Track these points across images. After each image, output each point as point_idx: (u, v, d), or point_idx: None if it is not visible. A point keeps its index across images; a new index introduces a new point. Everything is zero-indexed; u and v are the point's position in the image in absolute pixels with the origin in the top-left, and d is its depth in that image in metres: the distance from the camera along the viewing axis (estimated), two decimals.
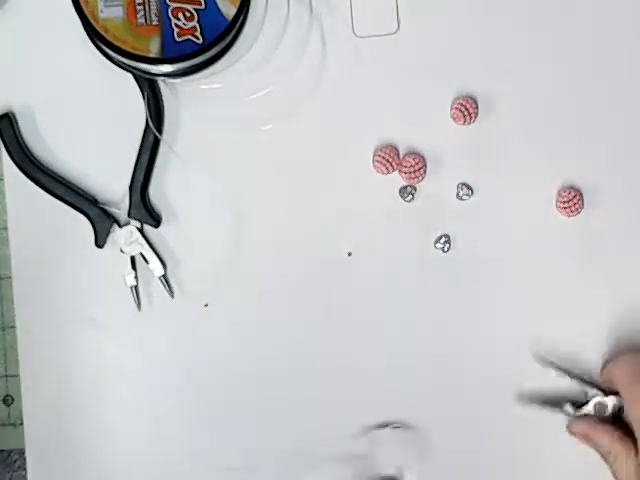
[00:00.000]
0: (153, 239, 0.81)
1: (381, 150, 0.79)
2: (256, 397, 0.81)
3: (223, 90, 0.80)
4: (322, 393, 0.81)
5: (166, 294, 0.81)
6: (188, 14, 0.74)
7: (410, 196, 0.80)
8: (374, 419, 0.80)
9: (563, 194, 0.79)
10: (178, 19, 0.74)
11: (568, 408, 0.77)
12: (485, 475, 0.80)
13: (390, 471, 0.80)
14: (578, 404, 0.78)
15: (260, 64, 0.80)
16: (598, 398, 0.77)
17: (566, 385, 0.78)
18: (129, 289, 0.81)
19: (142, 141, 0.79)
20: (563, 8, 0.79)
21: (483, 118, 0.80)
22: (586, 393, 0.78)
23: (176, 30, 0.74)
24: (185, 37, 0.74)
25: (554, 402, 0.78)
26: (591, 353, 0.80)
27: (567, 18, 0.79)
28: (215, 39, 0.74)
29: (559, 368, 0.79)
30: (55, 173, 0.81)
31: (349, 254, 0.81)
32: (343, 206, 0.80)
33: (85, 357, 0.81)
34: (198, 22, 0.74)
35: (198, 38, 0.74)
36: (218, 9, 0.74)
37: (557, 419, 0.78)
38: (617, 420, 0.77)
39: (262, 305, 0.81)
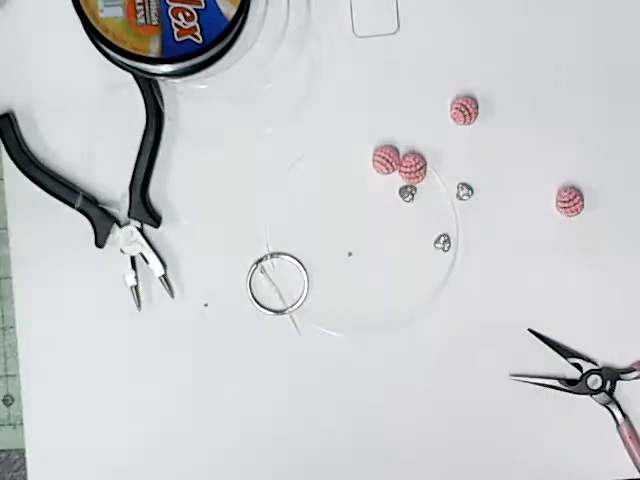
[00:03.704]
0: (153, 239, 0.81)
1: (381, 150, 0.79)
2: (256, 397, 0.81)
3: (223, 90, 0.80)
4: (323, 389, 0.81)
5: (166, 294, 0.81)
6: (188, 14, 0.74)
7: (410, 196, 0.80)
8: (375, 415, 0.81)
9: (563, 194, 0.79)
10: (178, 19, 0.74)
11: (562, 384, 0.79)
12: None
13: None
14: (572, 381, 0.79)
15: (260, 64, 0.80)
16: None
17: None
18: (129, 289, 0.81)
19: (142, 141, 0.79)
20: (563, 9, 0.79)
21: (483, 118, 0.79)
22: (581, 367, 0.79)
23: (176, 30, 0.74)
24: (185, 37, 0.74)
25: (549, 379, 0.79)
26: (591, 352, 0.80)
27: (567, 18, 0.79)
28: (215, 39, 0.74)
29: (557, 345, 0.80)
30: (55, 173, 0.81)
31: (349, 254, 0.81)
32: (343, 206, 0.80)
33: (85, 357, 0.81)
34: (198, 22, 0.74)
35: (198, 38, 0.74)
36: (218, 9, 0.74)
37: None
38: (609, 395, 0.79)
39: (260, 304, 0.81)
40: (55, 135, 0.81)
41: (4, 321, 0.83)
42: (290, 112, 0.80)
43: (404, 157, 0.80)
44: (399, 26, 0.80)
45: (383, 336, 0.80)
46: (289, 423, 0.81)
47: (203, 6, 0.74)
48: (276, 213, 0.81)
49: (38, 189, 0.80)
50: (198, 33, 0.74)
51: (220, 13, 0.74)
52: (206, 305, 0.81)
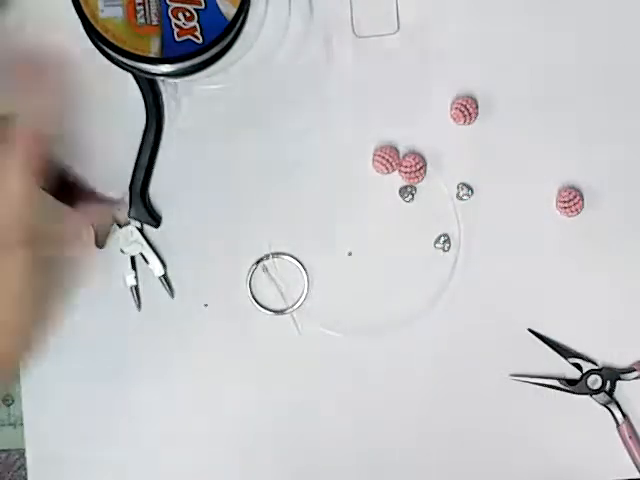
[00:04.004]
0: (153, 239, 0.81)
1: (381, 150, 0.79)
2: (256, 397, 0.81)
3: (223, 90, 0.80)
4: (323, 389, 0.81)
5: (166, 294, 0.81)
6: (188, 14, 0.74)
7: (410, 196, 0.80)
8: (375, 414, 0.81)
9: (563, 194, 0.79)
10: (178, 19, 0.74)
11: (562, 384, 0.79)
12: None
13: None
14: (572, 381, 0.79)
15: (260, 64, 0.80)
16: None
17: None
18: (129, 289, 0.81)
19: (142, 141, 0.79)
20: (563, 8, 0.79)
21: (483, 118, 0.80)
22: (581, 367, 0.79)
23: (176, 30, 0.74)
24: (185, 37, 0.74)
25: (549, 379, 0.79)
26: (591, 352, 0.80)
27: (567, 18, 0.80)
28: (215, 39, 0.74)
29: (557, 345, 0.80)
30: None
31: (349, 254, 0.81)
32: (343, 206, 0.81)
33: (85, 357, 0.81)
34: (198, 22, 0.74)
35: (198, 38, 0.74)
36: (218, 9, 0.74)
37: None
38: (609, 395, 0.79)
39: (261, 304, 0.81)
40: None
41: None
42: (290, 112, 0.80)
43: (404, 157, 0.80)
44: (399, 26, 0.80)
45: (383, 336, 0.80)
46: (289, 423, 0.81)
47: (203, 6, 0.74)
48: (276, 213, 0.81)
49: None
50: (198, 33, 0.74)
51: (220, 13, 0.74)
52: (206, 305, 0.81)
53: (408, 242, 0.80)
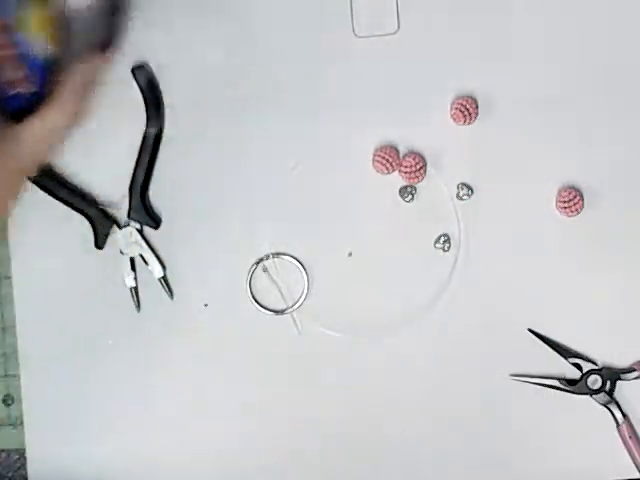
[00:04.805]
0: (153, 240, 0.81)
1: (381, 150, 0.79)
2: (256, 397, 0.81)
3: (223, 90, 0.80)
4: (323, 389, 0.81)
5: (166, 295, 0.81)
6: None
7: (410, 196, 0.80)
8: (375, 415, 0.81)
9: (563, 194, 0.79)
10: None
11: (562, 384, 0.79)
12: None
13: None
14: (572, 381, 0.79)
15: (260, 63, 0.80)
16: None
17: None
18: (129, 290, 0.81)
19: (142, 142, 0.79)
20: (563, 8, 0.79)
21: (483, 118, 0.79)
22: (581, 367, 0.79)
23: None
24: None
25: (549, 379, 0.79)
26: (591, 352, 0.80)
27: (568, 18, 0.79)
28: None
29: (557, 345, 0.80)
30: (55, 174, 0.81)
31: (349, 254, 0.81)
32: (343, 206, 0.80)
33: (85, 358, 0.82)
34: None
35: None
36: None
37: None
38: (609, 395, 0.79)
39: (261, 304, 0.81)
40: None
41: (4, 321, 0.83)
42: (290, 112, 0.80)
43: (404, 157, 0.80)
44: (399, 26, 0.80)
45: (383, 336, 0.80)
46: (288, 423, 0.81)
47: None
48: (276, 213, 0.81)
49: (38, 189, 0.80)
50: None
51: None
52: (206, 305, 0.81)
53: (408, 242, 0.80)
